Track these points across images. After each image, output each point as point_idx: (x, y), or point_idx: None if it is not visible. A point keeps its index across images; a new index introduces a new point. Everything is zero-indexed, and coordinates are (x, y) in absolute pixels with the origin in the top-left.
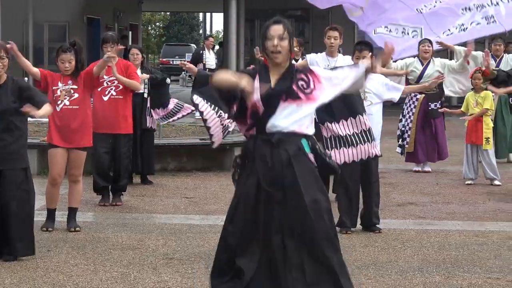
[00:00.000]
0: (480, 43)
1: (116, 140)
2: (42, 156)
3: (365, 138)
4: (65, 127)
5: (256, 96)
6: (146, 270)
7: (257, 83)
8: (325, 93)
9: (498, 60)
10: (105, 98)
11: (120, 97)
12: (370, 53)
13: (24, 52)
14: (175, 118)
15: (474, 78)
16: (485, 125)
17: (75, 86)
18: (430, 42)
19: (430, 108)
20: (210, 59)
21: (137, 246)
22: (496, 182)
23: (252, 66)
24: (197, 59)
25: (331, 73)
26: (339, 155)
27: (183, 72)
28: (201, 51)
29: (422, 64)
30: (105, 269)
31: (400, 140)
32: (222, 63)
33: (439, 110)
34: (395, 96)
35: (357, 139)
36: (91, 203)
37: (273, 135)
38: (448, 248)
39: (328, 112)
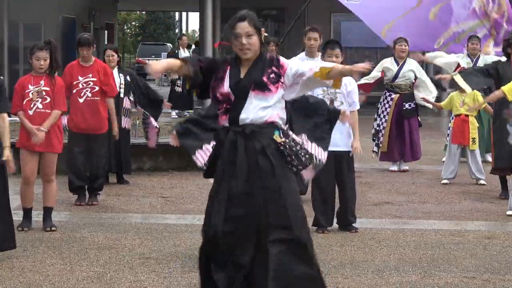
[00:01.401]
0: None
1: (92, 141)
2: (18, 155)
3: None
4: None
5: (226, 86)
6: (122, 270)
7: (227, 73)
8: (289, 87)
9: (474, 59)
10: (81, 100)
11: (95, 98)
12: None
13: None
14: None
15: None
16: (471, 125)
17: (47, 88)
18: (406, 41)
19: (404, 108)
20: None
21: (114, 245)
22: (482, 182)
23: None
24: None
25: (301, 69)
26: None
27: None
28: (176, 51)
29: (398, 64)
30: (82, 268)
31: (376, 139)
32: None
33: (423, 101)
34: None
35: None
36: (67, 202)
37: (246, 126)
38: (424, 247)
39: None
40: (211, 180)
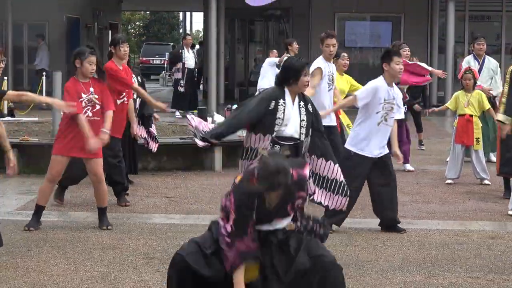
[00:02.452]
0: (460, 43)
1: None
2: (22, 155)
3: (339, 188)
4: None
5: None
6: (126, 270)
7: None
8: None
9: (481, 60)
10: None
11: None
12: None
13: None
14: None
15: (464, 78)
16: (475, 125)
17: (96, 96)
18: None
19: None
20: (189, 58)
21: (118, 245)
22: (486, 182)
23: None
24: (176, 59)
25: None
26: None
27: (163, 72)
28: (180, 50)
29: None
30: (86, 268)
31: None
32: (203, 62)
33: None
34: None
35: (333, 185)
36: (71, 203)
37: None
38: (429, 247)
39: (316, 146)
40: (215, 181)
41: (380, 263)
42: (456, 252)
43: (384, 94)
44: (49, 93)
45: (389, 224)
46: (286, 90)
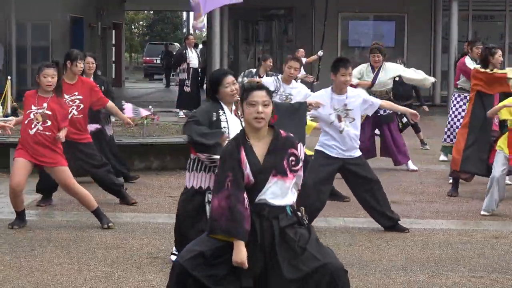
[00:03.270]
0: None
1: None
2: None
3: None
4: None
5: (247, 171)
6: (130, 269)
7: (244, 157)
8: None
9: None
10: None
11: (80, 116)
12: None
13: (7, 51)
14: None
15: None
16: None
17: (49, 112)
18: (381, 51)
19: (379, 114)
20: (193, 58)
21: (121, 245)
22: (508, 182)
23: (225, 139)
24: (181, 59)
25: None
26: None
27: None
28: (184, 51)
29: (373, 71)
30: (89, 268)
31: None
32: (206, 62)
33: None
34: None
35: None
36: (74, 202)
37: (262, 206)
38: (432, 247)
39: None
40: None
41: (383, 262)
42: (460, 252)
43: (333, 103)
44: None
45: (389, 224)
46: (221, 102)
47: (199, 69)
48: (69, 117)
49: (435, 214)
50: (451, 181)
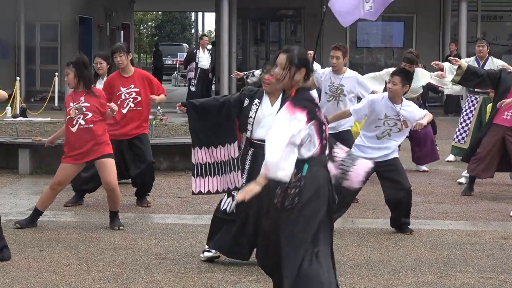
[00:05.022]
0: (472, 43)
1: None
2: (34, 155)
3: (232, 167)
4: (80, 147)
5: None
6: (138, 270)
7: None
8: None
9: (482, 62)
10: (124, 111)
11: (138, 108)
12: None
13: (16, 52)
14: None
15: None
16: None
17: (87, 104)
18: (411, 61)
19: None
20: (203, 58)
21: (130, 246)
22: None
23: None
24: (191, 58)
25: None
26: (203, 184)
27: (175, 72)
28: (195, 50)
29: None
30: (98, 269)
31: None
32: (215, 62)
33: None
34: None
35: (223, 167)
36: (83, 203)
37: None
38: (441, 248)
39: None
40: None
41: (392, 263)
42: (469, 253)
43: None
44: None
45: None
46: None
47: (209, 70)
48: (126, 110)
49: (444, 215)
50: (459, 180)
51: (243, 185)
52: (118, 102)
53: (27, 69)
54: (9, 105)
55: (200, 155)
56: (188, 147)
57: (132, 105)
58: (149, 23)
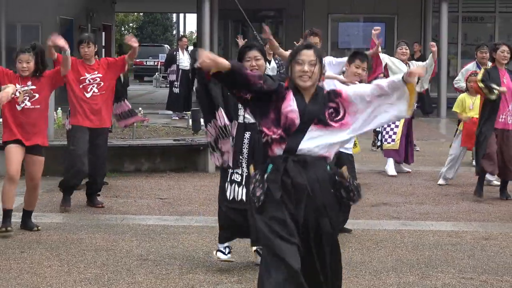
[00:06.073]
0: (453, 44)
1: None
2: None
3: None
4: (25, 125)
5: (294, 110)
6: (120, 271)
7: (291, 97)
8: (359, 116)
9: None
10: (88, 95)
11: (103, 92)
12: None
13: None
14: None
15: (469, 81)
16: None
17: (34, 86)
18: (407, 44)
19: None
20: (183, 60)
21: (111, 247)
22: (495, 182)
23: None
24: (171, 60)
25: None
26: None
27: (156, 73)
28: (175, 52)
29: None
30: (79, 270)
31: (380, 135)
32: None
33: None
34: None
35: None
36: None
37: (304, 156)
38: (422, 248)
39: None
40: (208, 182)
41: (373, 264)
42: (450, 253)
43: None
44: None
45: None
46: None
47: (189, 70)
48: (90, 95)
49: (425, 216)
50: (440, 182)
51: (243, 170)
52: (81, 86)
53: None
54: None
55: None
56: (168, 149)
57: (96, 90)
58: (131, 24)
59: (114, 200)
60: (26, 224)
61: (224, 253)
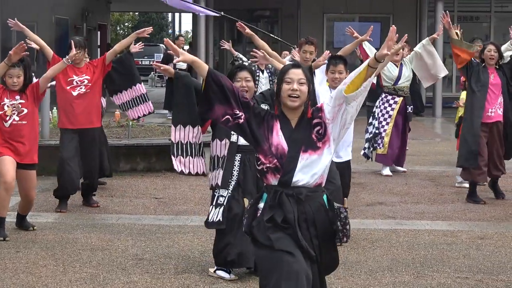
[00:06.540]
0: (448, 43)
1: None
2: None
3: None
4: (15, 143)
5: (280, 139)
6: (115, 271)
7: (278, 125)
8: (333, 124)
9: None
10: (74, 93)
11: (88, 91)
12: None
13: None
14: (134, 114)
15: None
16: None
17: (22, 101)
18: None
19: (408, 111)
20: None
21: (107, 247)
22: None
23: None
24: (168, 59)
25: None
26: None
27: (152, 73)
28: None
29: (396, 67)
30: (74, 270)
31: (373, 142)
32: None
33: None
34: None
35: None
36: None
37: (299, 189)
38: (417, 248)
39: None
40: (203, 182)
41: (369, 263)
42: (445, 253)
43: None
44: None
45: None
46: None
47: (186, 70)
48: (76, 93)
49: (421, 215)
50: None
51: (231, 191)
52: (68, 88)
53: None
54: None
55: (178, 134)
56: (164, 148)
57: (83, 91)
58: (126, 24)
59: (110, 200)
60: (22, 223)
61: (226, 272)
